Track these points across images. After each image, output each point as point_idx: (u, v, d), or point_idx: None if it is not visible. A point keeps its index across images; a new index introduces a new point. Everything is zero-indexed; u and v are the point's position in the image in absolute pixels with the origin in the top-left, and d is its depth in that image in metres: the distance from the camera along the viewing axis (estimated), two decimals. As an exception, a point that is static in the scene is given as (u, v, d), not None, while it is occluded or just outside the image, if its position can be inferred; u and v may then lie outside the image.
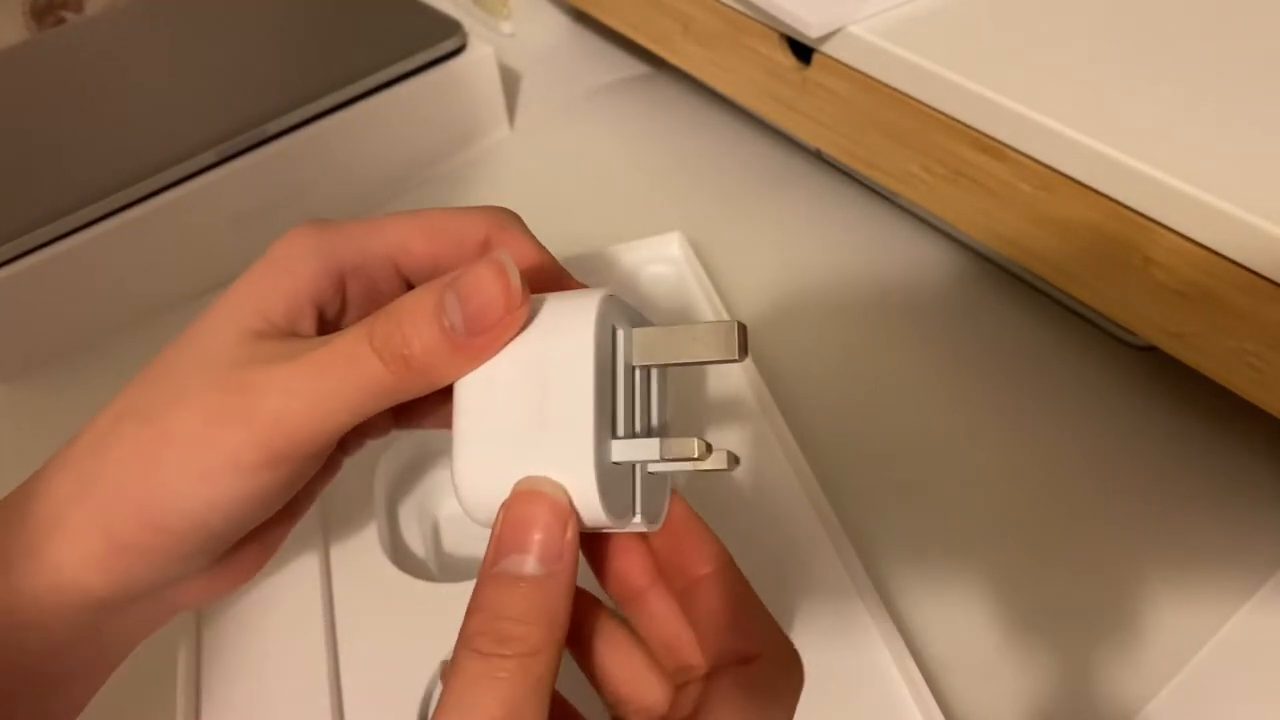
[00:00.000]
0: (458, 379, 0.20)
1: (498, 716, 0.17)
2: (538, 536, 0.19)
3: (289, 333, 0.21)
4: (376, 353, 0.19)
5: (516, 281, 0.19)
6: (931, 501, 0.35)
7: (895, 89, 0.35)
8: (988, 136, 0.32)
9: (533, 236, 0.24)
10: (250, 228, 0.45)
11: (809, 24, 0.35)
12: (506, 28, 0.61)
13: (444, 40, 0.48)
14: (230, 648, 0.30)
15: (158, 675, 0.30)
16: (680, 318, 0.40)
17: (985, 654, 0.31)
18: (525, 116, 0.55)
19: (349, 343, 0.19)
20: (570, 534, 0.19)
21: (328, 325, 0.22)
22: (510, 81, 0.56)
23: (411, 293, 0.20)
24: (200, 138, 0.43)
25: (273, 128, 0.44)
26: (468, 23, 0.49)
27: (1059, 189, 0.31)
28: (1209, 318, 0.29)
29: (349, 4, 0.52)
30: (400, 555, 0.33)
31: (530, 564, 0.19)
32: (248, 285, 0.21)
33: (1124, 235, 0.30)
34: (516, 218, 0.24)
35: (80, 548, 0.20)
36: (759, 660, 0.21)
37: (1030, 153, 0.31)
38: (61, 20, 0.69)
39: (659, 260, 0.42)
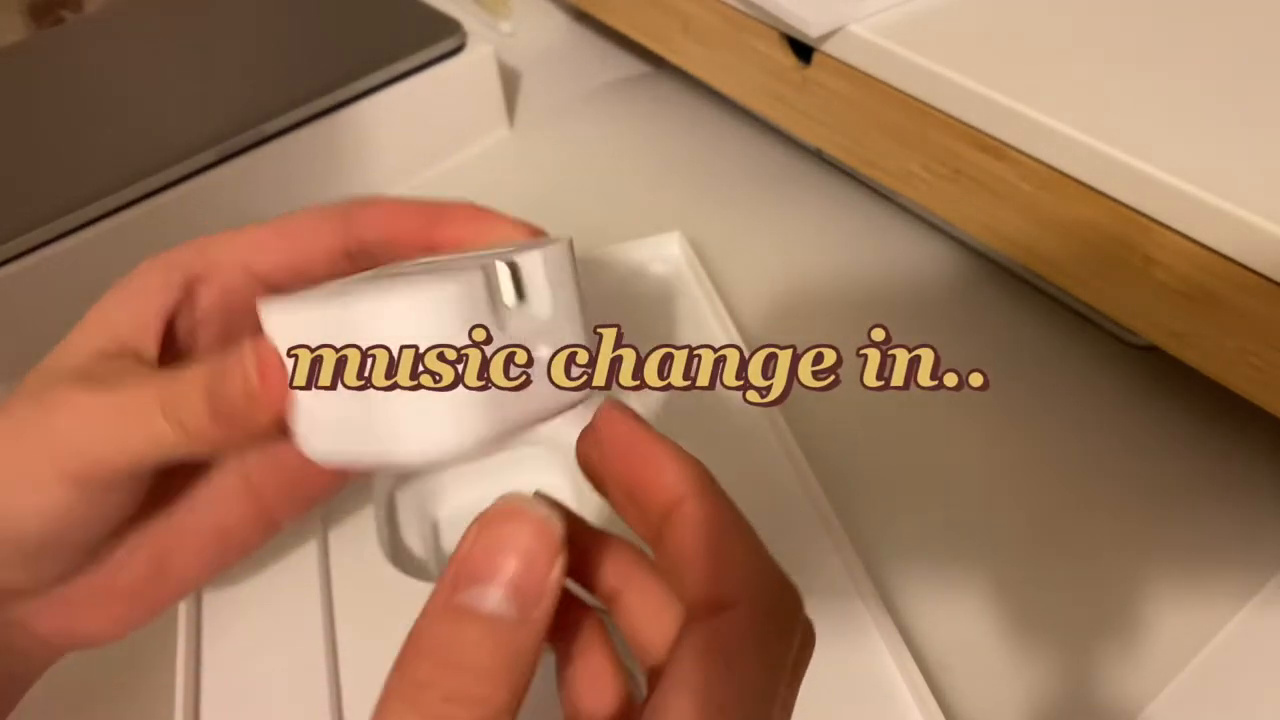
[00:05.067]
0: (234, 448, 0.21)
1: None
2: (516, 568, 0.15)
3: (133, 352, 0.22)
4: (162, 412, 0.20)
5: (254, 383, 0.19)
6: (931, 500, 0.35)
7: (896, 88, 0.35)
8: (988, 136, 0.32)
9: (394, 202, 0.23)
10: (250, 227, 0.46)
11: (809, 23, 0.35)
12: (506, 27, 0.61)
13: (443, 39, 0.48)
14: (229, 647, 0.30)
15: (156, 674, 0.30)
16: (680, 318, 0.40)
17: (985, 654, 0.31)
18: (525, 116, 0.55)
19: (144, 395, 0.20)
20: (557, 572, 0.15)
21: (179, 338, 0.23)
22: (510, 80, 0.56)
23: (195, 365, 0.21)
24: (199, 137, 0.43)
25: (272, 127, 0.44)
26: (467, 22, 0.49)
27: (1060, 188, 0.31)
28: (1210, 317, 0.29)
29: (348, 3, 0.52)
30: (400, 556, 0.33)
31: (503, 603, 0.15)
32: (99, 308, 0.22)
33: (1125, 235, 0.30)
34: (373, 199, 0.23)
35: None
36: (735, 608, 0.16)
37: (1031, 152, 0.31)
38: (60, 19, 0.69)
39: (659, 260, 0.42)
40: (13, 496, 0.20)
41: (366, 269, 0.23)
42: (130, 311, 0.22)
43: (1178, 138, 0.29)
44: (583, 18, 0.63)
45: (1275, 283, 0.26)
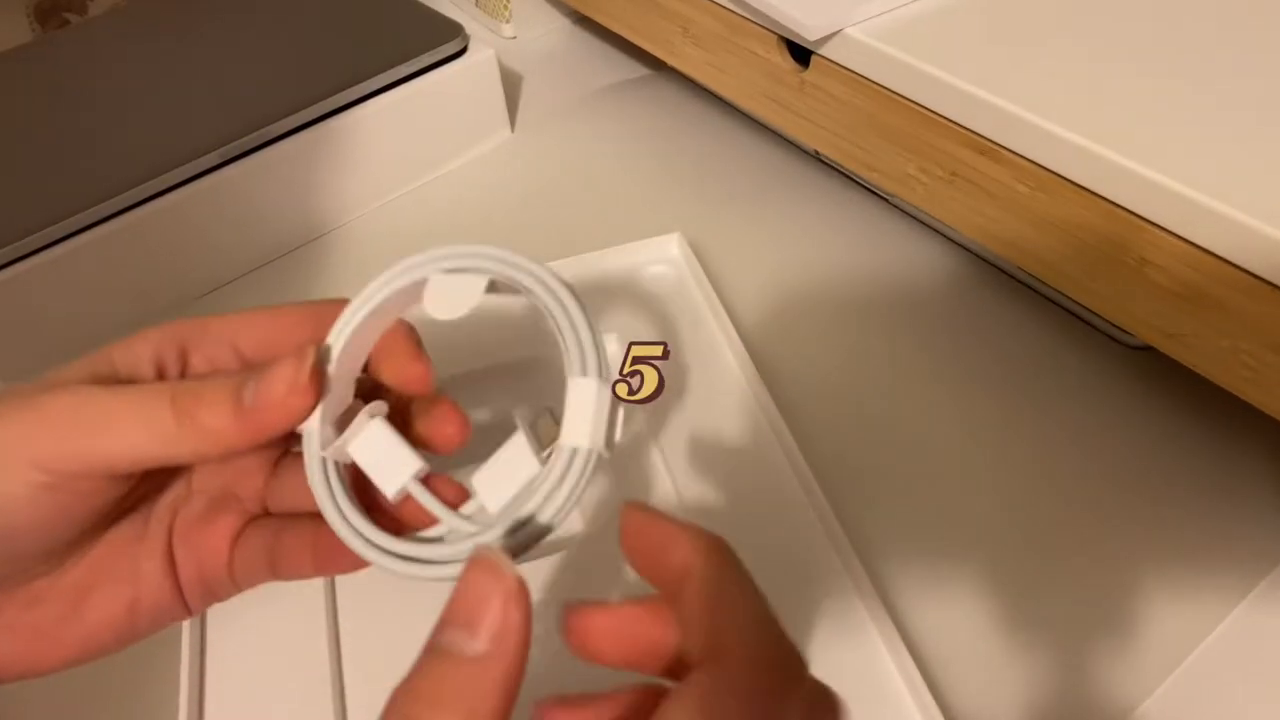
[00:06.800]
0: (236, 450, 0.22)
1: None
2: (494, 615, 0.18)
3: (128, 379, 0.23)
4: (172, 403, 0.21)
5: (304, 374, 0.22)
6: (929, 500, 0.35)
7: (892, 91, 0.35)
8: (984, 138, 0.33)
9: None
10: (254, 229, 0.46)
11: (807, 26, 0.36)
12: (508, 30, 0.61)
13: (446, 43, 0.48)
14: (234, 645, 0.30)
15: (161, 674, 0.30)
16: (680, 317, 0.40)
17: (982, 652, 0.31)
18: (526, 118, 0.55)
19: (153, 389, 0.22)
20: (522, 615, 0.18)
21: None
22: (511, 84, 0.57)
23: (215, 376, 0.23)
24: (204, 140, 0.43)
25: (276, 130, 0.44)
26: (469, 25, 0.50)
27: (1055, 190, 0.31)
28: (1204, 317, 0.29)
29: (352, 7, 0.52)
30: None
31: (484, 645, 0.17)
32: (105, 349, 0.23)
33: (1119, 236, 0.30)
34: (340, 302, 0.25)
35: None
36: (728, 657, 0.18)
37: (1026, 154, 0.32)
38: (65, 22, 0.70)
39: (659, 261, 0.42)
40: None
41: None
42: (127, 353, 0.23)
43: (1171, 140, 0.29)
44: (584, 21, 0.63)
45: (1267, 282, 0.27)
